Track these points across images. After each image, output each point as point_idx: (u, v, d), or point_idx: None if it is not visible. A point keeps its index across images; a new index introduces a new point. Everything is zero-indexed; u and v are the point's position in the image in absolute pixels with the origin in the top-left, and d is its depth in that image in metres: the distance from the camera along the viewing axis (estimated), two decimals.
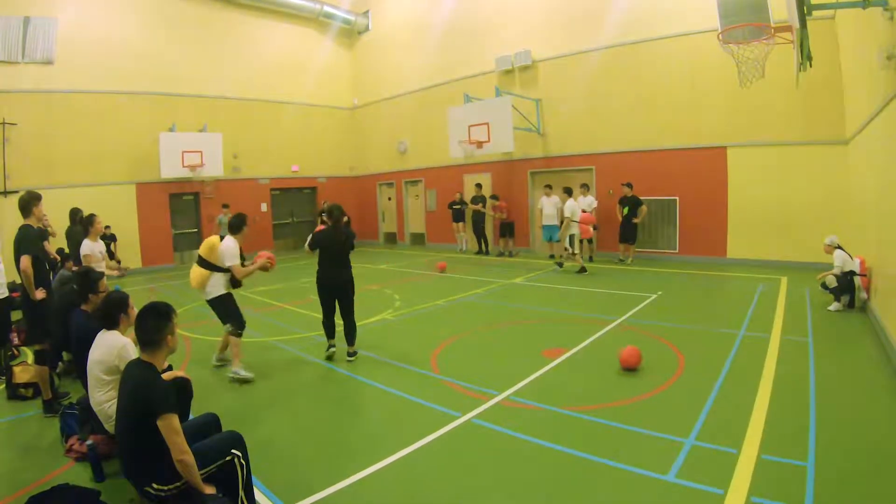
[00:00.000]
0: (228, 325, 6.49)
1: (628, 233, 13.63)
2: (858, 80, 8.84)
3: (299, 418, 5.24)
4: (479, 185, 17.05)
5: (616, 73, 14.47)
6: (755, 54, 7.98)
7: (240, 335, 6.47)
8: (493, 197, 16.65)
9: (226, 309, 6.57)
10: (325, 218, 7.69)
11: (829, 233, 9.10)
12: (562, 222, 12.80)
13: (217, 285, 6.50)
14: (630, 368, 5.96)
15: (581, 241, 13.11)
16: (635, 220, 13.50)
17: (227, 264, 6.39)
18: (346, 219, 7.23)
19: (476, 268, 14.14)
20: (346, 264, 6.93)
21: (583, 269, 12.49)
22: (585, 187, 14.47)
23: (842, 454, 3.98)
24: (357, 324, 7.01)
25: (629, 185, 13.43)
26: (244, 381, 6.22)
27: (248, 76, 19.48)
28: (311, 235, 7.00)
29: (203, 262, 6.47)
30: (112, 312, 4.14)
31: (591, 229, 12.67)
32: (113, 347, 3.97)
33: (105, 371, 3.97)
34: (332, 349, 7.02)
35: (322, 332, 7.16)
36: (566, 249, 12.65)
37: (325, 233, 6.94)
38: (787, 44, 7.28)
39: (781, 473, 3.74)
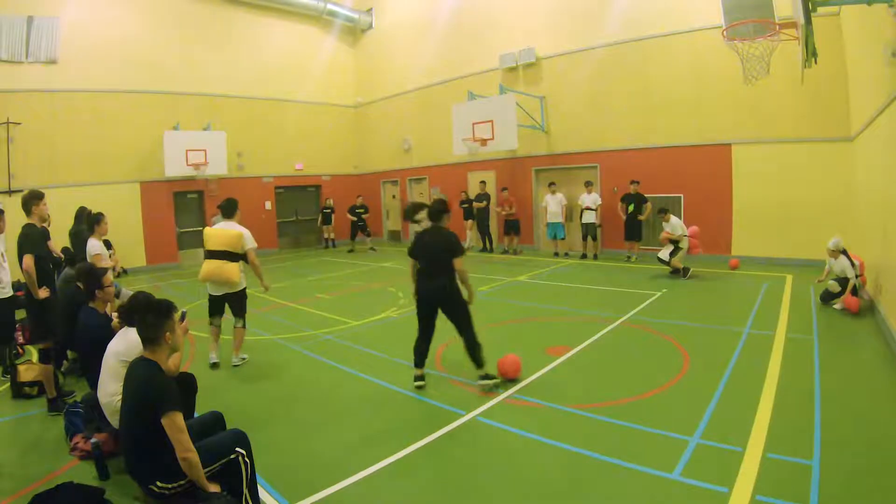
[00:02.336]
0: (241, 320, 6.82)
1: (634, 230, 13.60)
2: (864, 76, 8.79)
3: (303, 416, 5.24)
4: (483, 183, 17.03)
5: (620, 71, 14.42)
6: (760, 51, 7.94)
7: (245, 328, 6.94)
8: (504, 189, 16.55)
9: (243, 302, 6.88)
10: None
11: (834, 230, 9.03)
12: (676, 243, 11.52)
13: (243, 276, 6.79)
14: (509, 378, 5.80)
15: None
16: (640, 218, 13.46)
17: (250, 247, 6.72)
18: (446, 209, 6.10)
19: (480, 265, 14.14)
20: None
21: (686, 270, 11.34)
22: (589, 184, 14.43)
23: (847, 452, 3.97)
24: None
25: (636, 183, 13.34)
26: (245, 361, 6.85)
27: (251, 75, 19.47)
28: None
29: (230, 256, 6.62)
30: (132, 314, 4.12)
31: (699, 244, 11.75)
32: (138, 345, 3.94)
33: (124, 365, 3.94)
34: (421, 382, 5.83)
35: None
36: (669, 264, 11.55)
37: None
38: (792, 40, 7.23)
39: (786, 472, 3.73)
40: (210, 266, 6.64)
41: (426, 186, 20.30)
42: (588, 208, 14.24)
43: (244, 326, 6.89)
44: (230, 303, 6.85)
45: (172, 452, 3.03)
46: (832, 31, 10.47)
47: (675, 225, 11.43)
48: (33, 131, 14.47)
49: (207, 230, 6.94)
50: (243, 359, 6.90)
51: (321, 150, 21.80)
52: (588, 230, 14.45)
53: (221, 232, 6.76)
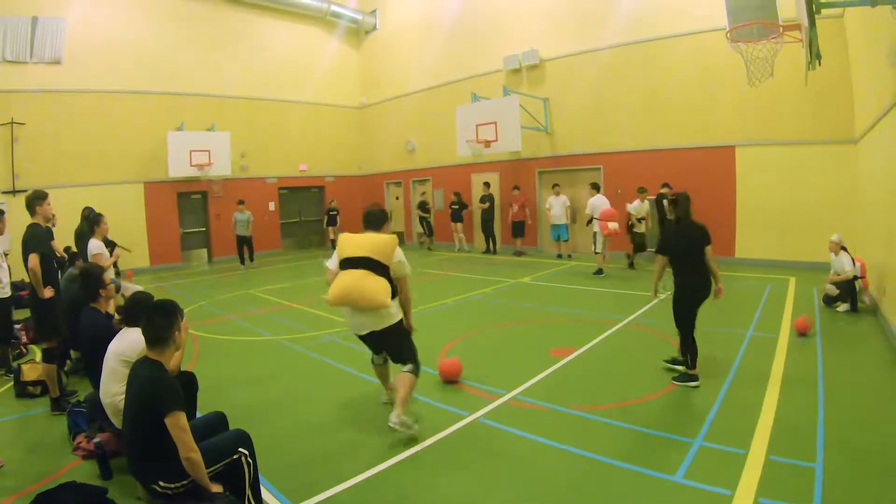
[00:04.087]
0: (411, 365, 4.68)
1: None
2: (867, 78, 8.78)
3: (306, 416, 5.24)
4: (487, 184, 17.03)
5: (624, 72, 14.41)
6: (764, 53, 7.92)
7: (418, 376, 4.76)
8: (516, 188, 16.45)
9: (403, 339, 4.79)
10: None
11: (837, 233, 9.00)
12: (589, 221, 12.13)
13: (396, 304, 4.68)
14: (450, 381, 5.84)
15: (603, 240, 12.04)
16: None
17: (405, 273, 4.71)
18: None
19: (484, 267, 14.14)
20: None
21: (599, 271, 12.05)
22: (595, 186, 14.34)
23: (850, 455, 3.95)
24: None
25: (668, 186, 13.08)
26: (411, 433, 4.50)
27: (255, 75, 19.52)
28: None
29: (376, 266, 4.48)
30: (134, 313, 4.13)
31: (610, 226, 11.58)
32: (137, 344, 3.95)
33: (125, 364, 3.96)
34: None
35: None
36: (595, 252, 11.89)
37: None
38: (796, 42, 7.22)
39: (789, 474, 3.72)
40: (345, 280, 4.47)
41: (430, 187, 20.32)
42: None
43: (414, 373, 4.66)
44: (384, 346, 4.88)
45: (175, 452, 3.03)
46: (836, 33, 10.45)
47: (591, 204, 11.39)
48: (37, 131, 14.51)
49: (345, 235, 4.82)
50: (408, 426, 4.46)
51: (325, 151, 21.84)
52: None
53: (366, 235, 4.73)
